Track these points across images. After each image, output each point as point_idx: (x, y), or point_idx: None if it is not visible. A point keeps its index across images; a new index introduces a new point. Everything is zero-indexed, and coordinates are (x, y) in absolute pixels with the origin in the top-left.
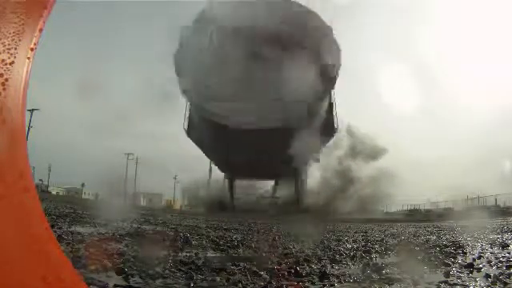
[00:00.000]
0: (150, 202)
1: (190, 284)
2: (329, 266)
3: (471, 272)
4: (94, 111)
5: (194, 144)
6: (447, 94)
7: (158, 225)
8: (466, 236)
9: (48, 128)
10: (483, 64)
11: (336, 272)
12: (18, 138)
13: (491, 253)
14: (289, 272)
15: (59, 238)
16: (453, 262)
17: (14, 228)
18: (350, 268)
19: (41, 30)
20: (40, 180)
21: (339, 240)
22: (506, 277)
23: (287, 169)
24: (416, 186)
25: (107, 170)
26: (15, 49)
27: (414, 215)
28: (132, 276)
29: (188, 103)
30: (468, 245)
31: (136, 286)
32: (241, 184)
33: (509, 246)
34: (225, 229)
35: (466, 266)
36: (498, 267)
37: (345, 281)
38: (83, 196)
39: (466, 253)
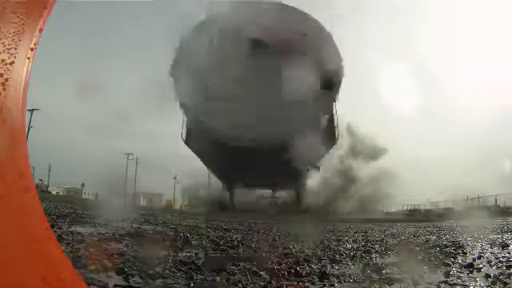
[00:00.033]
0: (150, 202)
1: (190, 284)
2: (329, 266)
3: (471, 272)
4: (94, 111)
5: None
6: (447, 94)
7: (158, 225)
8: (466, 236)
9: (48, 128)
10: (483, 64)
11: (336, 272)
12: (18, 138)
13: (491, 253)
14: (289, 272)
15: (59, 238)
16: (453, 262)
17: (13, 228)
18: (350, 268)
19: (41, 30)
20: (40, 180)
21: (339, 240)
22: (506, 277)
23: (287, 178)
24: (416, 186)
25: (107, 170)
26: (15, 49)
27: (414, 215)
28: (132, 276)
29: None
30: (468, 245)
31: (136, 286)
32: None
33: (509, 246)
34: (225, 229)
35: (466, 266)
36: (498, 267)
37: (345, 281)
38: (83, 196)
39: (465, 253)
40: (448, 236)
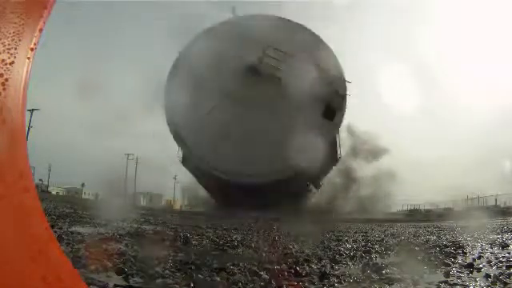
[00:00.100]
0: (150, 202)
1: (190, 284)
2: (329, 266)
3: (471, 272)
4: (94, 111)
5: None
6: (447, 94)
7: (158, 225)
8: (466, 236)
9: (48, 128)
10: (483, 64)
11: (336, 272)
12: (18, 138)
13: (491, 253)
14: (289, 272)
15: (59, 238)
16: (453, 262)
17: (13, 228)
18: (349, 268)
19: (41, 30)
20: (40, 180)
21: (339, 240)
22: (506, 277)
23: (288, 201)
24: (416, 186)
25: (107, 170)
26: (15, 49)
27: (414, 215)
28: (132, 276)
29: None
30: (468, 245)
31: (136, 286)
32: None
33: (509, 246)
34: (225, 229)
35: (466, 266)
36: (498, 267)
37: (345, 281)
38: (83, 196)
39: (465, 253)
40: (448, 236)
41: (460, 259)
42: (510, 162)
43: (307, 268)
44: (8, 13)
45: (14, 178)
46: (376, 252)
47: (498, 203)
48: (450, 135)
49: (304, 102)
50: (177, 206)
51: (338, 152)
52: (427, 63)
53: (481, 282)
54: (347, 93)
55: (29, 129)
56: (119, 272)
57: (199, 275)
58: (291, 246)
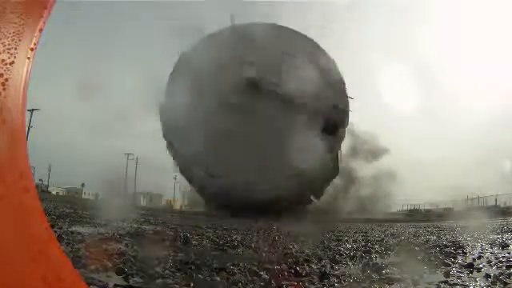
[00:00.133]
0: (149, 202)
1: (190, 284)
2: (329, 266)
3: (471, 272)
4: (94, 111)
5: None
6: (447, 94)
7: (158, 225)
8: (466, 236)
9: (48, 128)
10: (483, 64)
11: (336, 272)
12: (18, 138)
13: (491, 253)
14: (289, 272)
15: (59, 238)
16: (453, 262)
17: (13, 228)
18: (350, 268)
19: (41, 30)
20: (40, 180)
21: (339, 240)
22: (506, 277)
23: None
24: (416, 186)
25: (107, 170)
26: (15, 49)
27: (414, 215)
28: (132, 276)
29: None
30: (468, 245)
31: (136, 286)
32: None
33: (509, 246)
34: (225, 229)
35: (466, 266)
36: (498, 267)
37: (345, 281)
38: (83, 196)
39: (465, 253)
40: (448, 236)
41: (460, 259)
42: (510, 162)
43: (307, 268)
44: (8, 13)
45: (14, 178)
46: (376, 252)
47: (497, 203)
48: (449, 135)
49: (305, 117)
50: (177, 206)
51: (339, 165)
52: (427, 63)
53: (481, 282)
54: (349, 109)
55: (29, 129)
56: (119, 272)
57: (199, 275)
58: (291, 246)
